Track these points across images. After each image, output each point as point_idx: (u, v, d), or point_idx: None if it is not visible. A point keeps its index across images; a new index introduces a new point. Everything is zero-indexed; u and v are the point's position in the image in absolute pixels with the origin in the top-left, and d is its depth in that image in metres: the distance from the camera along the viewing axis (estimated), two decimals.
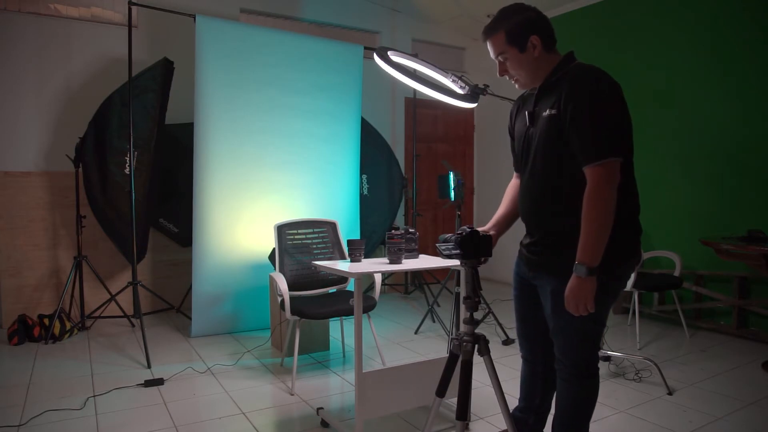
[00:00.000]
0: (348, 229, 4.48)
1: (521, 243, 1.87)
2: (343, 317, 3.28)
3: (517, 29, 1.68)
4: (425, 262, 2.54)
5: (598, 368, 1.76)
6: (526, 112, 1.78)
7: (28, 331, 3.78)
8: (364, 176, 5.09)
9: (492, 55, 1.77)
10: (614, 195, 1.55)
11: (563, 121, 1.61)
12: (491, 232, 1.86)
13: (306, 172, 4.29)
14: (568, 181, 1.64)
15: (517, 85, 1.80)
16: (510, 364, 3.33)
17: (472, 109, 6.47)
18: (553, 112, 1.64)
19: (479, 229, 1.75)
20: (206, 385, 3.01)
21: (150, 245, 4.55)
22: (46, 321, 3.83)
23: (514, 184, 1.99)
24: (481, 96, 2.38)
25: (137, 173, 4.00)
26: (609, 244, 1.57)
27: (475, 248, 1.65)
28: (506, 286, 5.68)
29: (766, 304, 3.91)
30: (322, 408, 2.60)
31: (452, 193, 3.95)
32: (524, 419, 1.98)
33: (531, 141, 1.75)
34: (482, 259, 1.67)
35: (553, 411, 1.87)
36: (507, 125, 1.99)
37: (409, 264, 2.46)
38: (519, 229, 1.88)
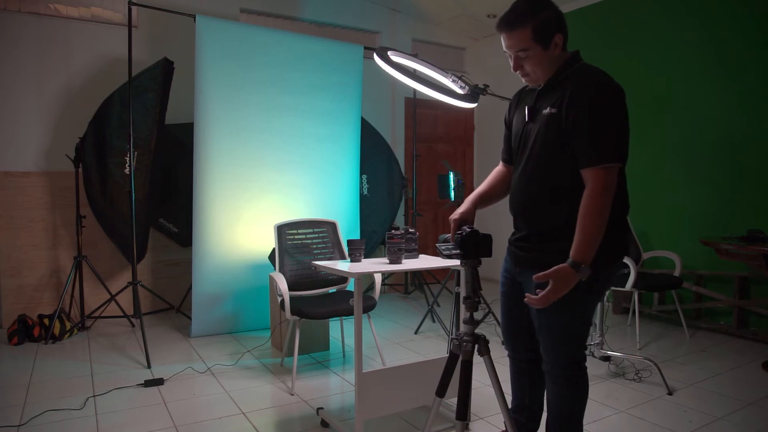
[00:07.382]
0: (348, 229, 4.47)
1: (509, 239, 1.87)
2: (343, 317, 3.28)
3: (544, 26, 1.61)
4: (425, 262, 2.54)
5: (585, 368, 1.75)
6: (526, 107, 1.76)
7: (28, 331, 3.77)
8: (364, 176, 5.09)
9: (508, 48, 1.68)
10: (612, 198, 1.56)
11: (563, 121, 1.61)
12: (467, 206, 1.89)
13: (306, 172, 4.29)
14: (562, 180, 1.64)
15: (527, 81, 1.76)
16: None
17: (472, 109, 6.47)
18: (554, 111, 1.63)
19: (461, 210, 1.82)
20: (206, 385, 3.01)
21: (150, 245, 4.55)
22: (46, 321, 3.83)
23: (499, 169, 1.98)
24: (481, 96, 2.39)
25: (137, 173, 4.00)
26: (600, 246, 1.57)
27: (475, 248, 1.65)
28: None
29: (766, 304, 3.91)
30: (322, 408, 2.61)
31: (452, 193, 3.95)
32: (517, 419, 1.98)
33: (528, 137, 1.74)
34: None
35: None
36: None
37: (409, 264, 2.46)
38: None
